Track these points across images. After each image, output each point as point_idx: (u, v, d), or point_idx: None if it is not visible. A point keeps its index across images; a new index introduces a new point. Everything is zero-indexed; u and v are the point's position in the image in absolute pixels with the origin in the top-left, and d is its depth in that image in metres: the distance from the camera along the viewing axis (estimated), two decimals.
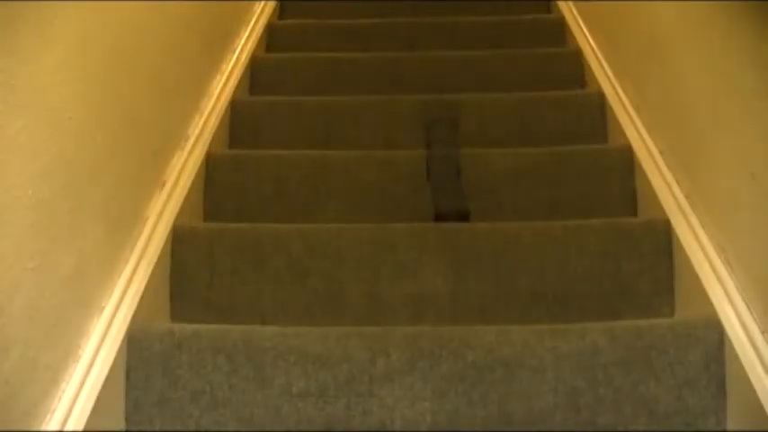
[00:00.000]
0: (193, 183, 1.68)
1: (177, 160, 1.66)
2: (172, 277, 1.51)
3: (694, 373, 1.23)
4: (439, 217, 1.57)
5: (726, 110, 1.36)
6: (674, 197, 1.56)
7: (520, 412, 1.22)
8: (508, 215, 1.73)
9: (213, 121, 1.89)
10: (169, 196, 1.57)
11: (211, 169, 1.79)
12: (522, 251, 1.51)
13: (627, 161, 1.78)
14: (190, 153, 1.72)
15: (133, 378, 1.25)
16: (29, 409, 1.01)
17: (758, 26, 1.22)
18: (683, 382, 1.23)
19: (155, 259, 1.41)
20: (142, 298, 1.32)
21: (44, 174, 1.05)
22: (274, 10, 2.76)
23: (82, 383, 1.12)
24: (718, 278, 1.33)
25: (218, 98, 1.98)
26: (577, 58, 2.34)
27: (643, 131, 1.79)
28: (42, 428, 1.04)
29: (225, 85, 2.05)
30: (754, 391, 1.14)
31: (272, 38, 2.61)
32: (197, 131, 1.79)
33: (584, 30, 2.41)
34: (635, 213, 1.75)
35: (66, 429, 1.07)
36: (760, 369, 1.15)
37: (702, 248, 1.40)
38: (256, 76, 2.33)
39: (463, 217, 1.58)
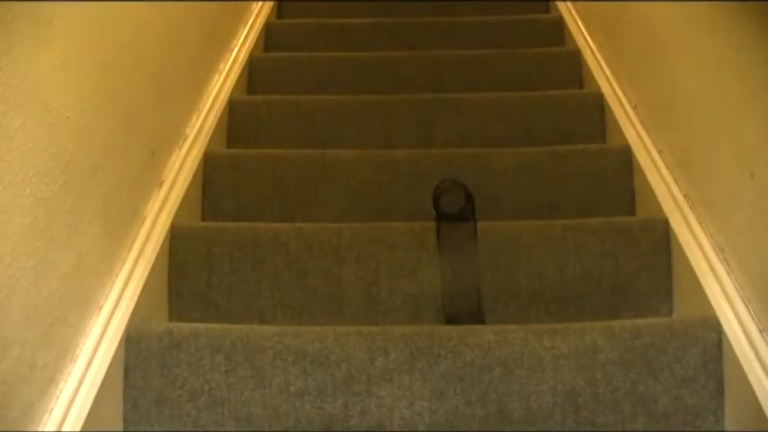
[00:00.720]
0: (191, 182, 1.68)
1: (175, 159, 1.66)
2: (170, 276, 1.51)
3: (693, 373, 1.23)
4: (451, 320, 1.45)
5: (725, 110, 1.36)
6: (672, 196, 1.56)
7: (518, 412, 1.22)
8: (507, 214, 1.73)
9: (211, 121, 1.89)
10: (167, 195, 1.56)
11: (209, 168, 1.79)
12: (521, 250, 1.51)
13: (625, 161, 1.79)
14: (188, 152, 1.72)
15: (131, 377, 1.25)
16: (26, 409, 1.01)
17: (757, 25, 1.22)
18: (681, 381, 1.23)
19: (153, 258, 1.41)
20: (140, 297, 1.32)
21: (42, 173, 1.05)
22: (272, 9, 2.76)
23: (80, 383, 1.12)
24: (717, 277, 1.33)
25: (217, 97, 1.98)
26: (576, 57, 2.34)
27: (641, 131, 1.79)
28: (40, 429, 1.04)
29: (223, 84, 2.05)
30: (752, 391, 1.14)
31: (270, 37, 2.61)
32: (195, 131, 1.79)
33: (583, 30, 2.41)
34: (633, 213, 1.75)
35: (63, 430, 1.07)
36: (758, 368, 1.15)
37: (701, 248, 1.41)
38: (254, 75, 2.33)
39: (478, 320, 1.45)
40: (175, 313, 1.50)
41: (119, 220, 1.35)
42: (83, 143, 1.19)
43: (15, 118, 0.97)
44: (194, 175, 1.70)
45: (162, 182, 1.58)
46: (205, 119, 1.86)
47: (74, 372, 1.12)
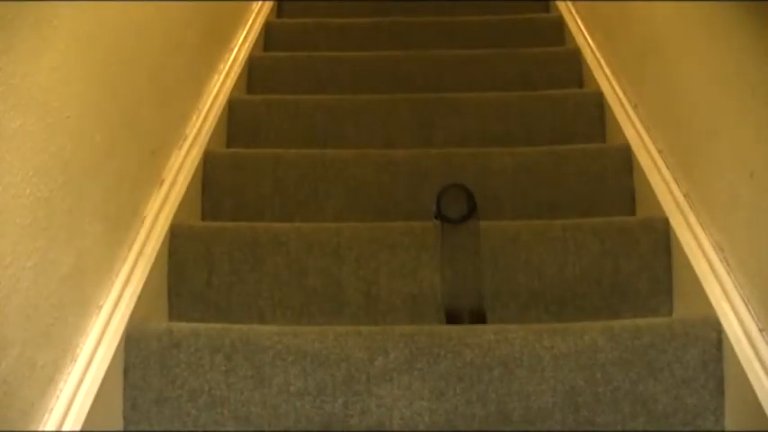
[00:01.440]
0: (191, 181, 1.68)
1: (175, 159, 1.66)
2: (170, 276, 1.51)
3: (693, 373, 1.23)
4: (451, 318, 1.45)
5: (725, 109, 1.36)
6: (672, 196, 1.56)
7: (518, 411, 1.22)
8: (507, 214, 1.73)
9: (211, 120, 1.89)
10: (167, 195, 1.56)
11: (209, 168, 1.79)
12: (521, 250, 1.51)
13: (625, 160, 1.79)
14: (188, 152, 1.72)
15: (131, 377, 1.25)
16: (26, 409, 1.01)
17: (757, 26, 1.22)
18: (681, 381, 1.23)
19: (153, 258, 1.41)
20: (140, 297, 1.32)
21: (42, 172, 1.05)
22: (272, 9, 2.76)
23: (80, 382, 1.12)
24: (717, 277, 1.33)
25: (216, 97, 1.98)
26: (576, 57, 2.34)
27: (642, 131, 1.79)
28: (40, 429, 1.04)
29: (223, 84, 2.05)
30: (752, 390, 1.14)
31: (269, 37, 2.61)
32: (195, 130, 1.79)
33: (583, 29, 2.41)
34: (633, 212, 1.75)
35: (63, 429, 1.07)
36: (758, 367, 1.15)
37: (701, 247, 1.40)
38: (254, 74, 2.33)
39: (479, 319, 1.45)
40: (175, 313, 1.50)
41: (119, 219, 1.35)
42: (83, 143, 1.19)
43: (15, 118, 0.97)
44: (194, 175, 1.70)
45: (162, 181, 1.58)
46: (205, 118, 1.86)
47: (74, 371, 1.12)
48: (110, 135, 1.30)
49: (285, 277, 1.50)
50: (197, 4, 1.89)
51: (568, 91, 2.20)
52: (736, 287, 1.28)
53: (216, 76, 2.05)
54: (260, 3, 2.62)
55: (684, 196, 1.53)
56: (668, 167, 1.63)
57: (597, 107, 2.04)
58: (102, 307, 1.24)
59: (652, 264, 1.50)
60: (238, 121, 2.05)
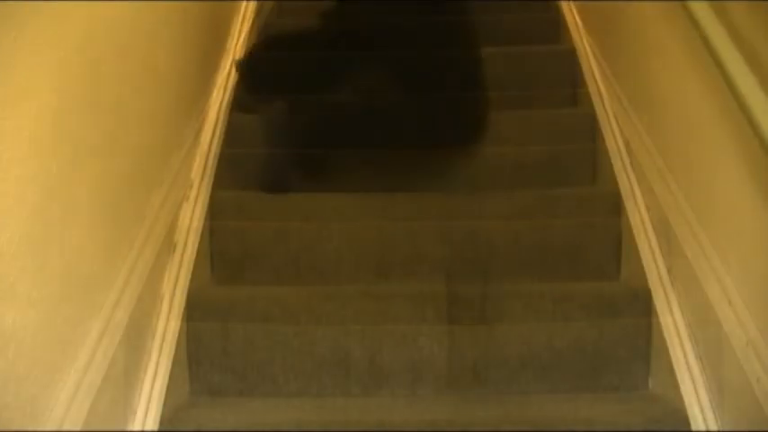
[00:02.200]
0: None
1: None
2: (188, 345, 1.62)
3: None
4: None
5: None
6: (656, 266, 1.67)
7: None
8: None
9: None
10: (180, 263, 1.65)
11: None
12: (514, 323, 1.63)
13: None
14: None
15: None
16: None
17: None
18: None
19: (173, 348, 1.52)
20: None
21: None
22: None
23: None
24: (690, 372, 1.47)
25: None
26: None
27: None
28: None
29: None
30: None
31: None
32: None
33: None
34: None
35: None
36: None
37: (678, 333, 1.54)
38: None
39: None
40: (195, 377, 1.63)
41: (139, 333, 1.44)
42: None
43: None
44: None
45: (174, 245, 1.65)
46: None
47: None
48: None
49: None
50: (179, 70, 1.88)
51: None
52: (706, 389, 1.42)
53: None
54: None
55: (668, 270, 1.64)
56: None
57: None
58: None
59: (633, 333, 1.64)
60: None
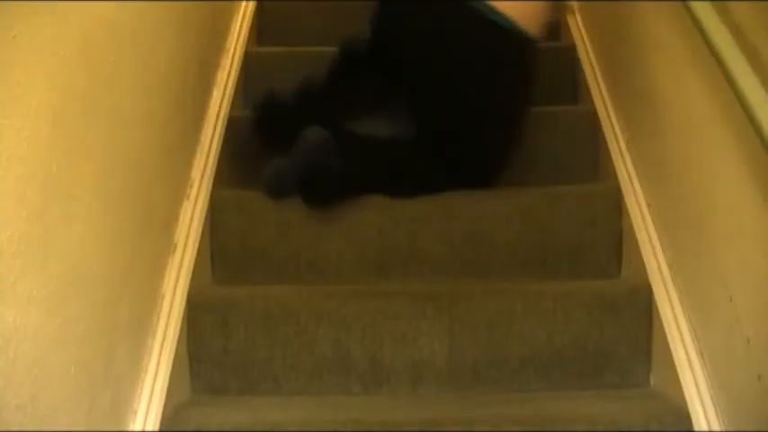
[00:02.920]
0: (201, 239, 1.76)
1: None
2: (189, 344, 1.62)
3: None
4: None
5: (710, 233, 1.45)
6: (656, 260, 1.67)
7: None
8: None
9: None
10: (181, 263, 1.65)
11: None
12: (514, 321, 1.63)
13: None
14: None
15: None
16: None
17: None
18: None
19: (174, 347, 1.52)
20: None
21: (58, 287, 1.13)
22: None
23: None
24: (692, 369, 1.47)
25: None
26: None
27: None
28: None
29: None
30: None
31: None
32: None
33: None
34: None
35: None
36: None
37: (679, 330, 1.53)
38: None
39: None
40: (195, 375, 1.63)
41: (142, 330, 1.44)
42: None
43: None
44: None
45: (174, 246, 1.65)
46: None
47: None
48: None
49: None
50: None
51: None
52: (708, 386, 1.42)
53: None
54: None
55: (669, 267, 1.64)
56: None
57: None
58: (136, 412, 1.37)
59: (634, 331, 1.64)
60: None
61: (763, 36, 1.23)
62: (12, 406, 0.94)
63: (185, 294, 1.62)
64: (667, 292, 1.61)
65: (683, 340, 1.52)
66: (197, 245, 1.73)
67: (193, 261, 1.69)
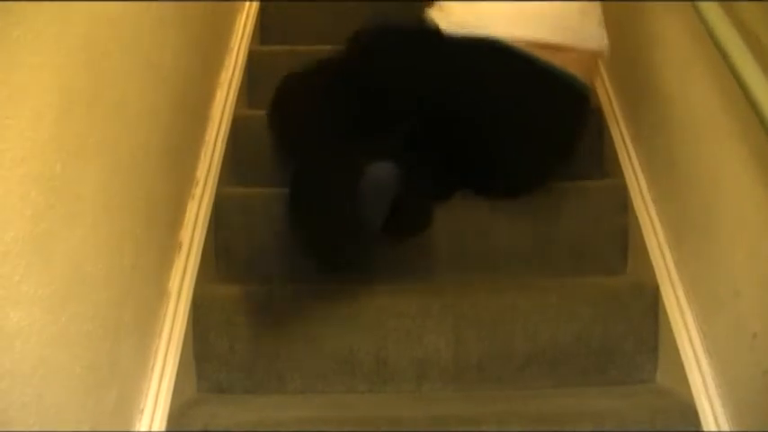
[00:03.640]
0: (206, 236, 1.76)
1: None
2: (195, 343, 1.62)
3: None
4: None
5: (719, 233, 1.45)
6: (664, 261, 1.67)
7: None
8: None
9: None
10: (186, 262, 1.65)
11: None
12: (518, 318, 1.63)
13: None
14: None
15: None
16: None
17: None
18: None
19: (180, 346, 1.52)
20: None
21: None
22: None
23: None
24: (699, 366, 1.46)
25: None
26: None
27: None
28: None
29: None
30: None
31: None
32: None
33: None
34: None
35: None
36: None
37: (686, 326, 1.53)
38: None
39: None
40: (202, 374, 1.63)
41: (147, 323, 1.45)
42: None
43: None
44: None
45: (180, 244, 1.66)
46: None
47: None
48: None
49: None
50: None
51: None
52: (714, 382, 1.42)
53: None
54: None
55: (675, 262, 1.64)
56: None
57: None
58: (143, 410, 1.37)
59: (639, 327, 1.63)
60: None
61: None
62: (17, 405, 0.94)
63: (191, 293, 1.62)
64: (673, 287, 1.60)
65: (689, 335, 1.52)
66: (202, 244, 1.73)
67: (199, 260, 1.70)
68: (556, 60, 1.60)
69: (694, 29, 1.41)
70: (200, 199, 1.78)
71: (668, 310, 1.59)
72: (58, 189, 1.06)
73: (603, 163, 2.07)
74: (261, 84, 2.32)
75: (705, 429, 1.39)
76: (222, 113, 2.04)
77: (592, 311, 1.64)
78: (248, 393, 1.61)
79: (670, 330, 1.56)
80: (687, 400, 1.45)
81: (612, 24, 1.73)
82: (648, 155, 1.84)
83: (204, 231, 1.75)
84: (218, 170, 1.91)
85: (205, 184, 1.83)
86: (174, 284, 1.58)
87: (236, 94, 2.16)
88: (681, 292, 1.58)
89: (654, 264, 1.68)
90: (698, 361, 1.47)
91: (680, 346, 1.52)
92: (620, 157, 1.95)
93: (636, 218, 1.79)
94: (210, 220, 1.81)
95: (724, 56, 1.27)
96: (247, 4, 2.51)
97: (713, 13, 1.31)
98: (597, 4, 1.71)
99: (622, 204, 1.86)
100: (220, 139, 1.98)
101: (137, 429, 1.35)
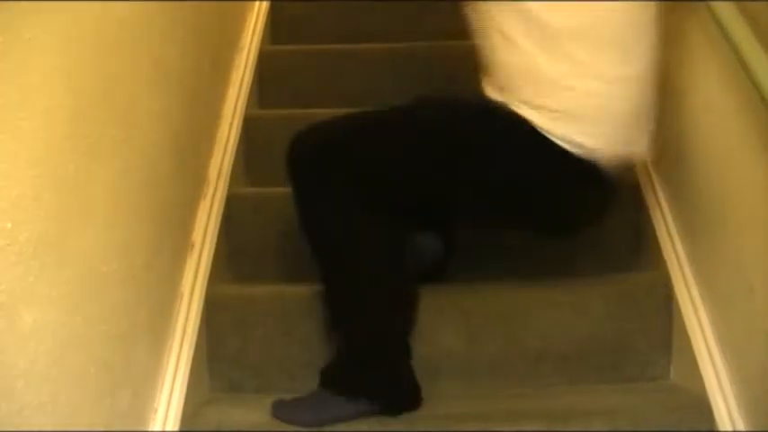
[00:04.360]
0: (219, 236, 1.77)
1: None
2: (207, 343, 1.63)
3: None
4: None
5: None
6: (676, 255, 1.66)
7: None
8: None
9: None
10: (198, 262, 1.65)
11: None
12: (531, 316, 1.62)
13: None
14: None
15: None
16: None
17: None
18: None
19: (193, 346, 1.52)
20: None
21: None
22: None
23: None
24: (713, 363, 1.46)
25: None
26: None
27: None
28: None
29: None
30: None
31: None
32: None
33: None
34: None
35: None
36: None
37: (700, 324, 1.52)
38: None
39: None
40: (215, 374, 1.64)
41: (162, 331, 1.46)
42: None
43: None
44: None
45: (192, 244, 1.66)
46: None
47: None
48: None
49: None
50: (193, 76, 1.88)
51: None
52: (729, 378, 1.41)
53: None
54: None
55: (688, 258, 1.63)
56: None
57: None
58: (156, 410, 1.38)
59: (653, 324, 1.63)
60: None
61: None
62: (32, 405, 0.95)
63: (203, 293, 1.63)
64: (686, 283, 1.59)
65: (703, 332, 1.51)
66: (214, 244, 1.74)
67: (211, 260, 1.70)
68: None
69: (709, 26, 1.40)
70: (212, 199, 1.79)
71: (682, 307, 1.58)
72: (71, 190, 1.06)
73: None
74: (271, 83, 2.33)
75: (719, 426, 1.38)
76: (233, 113, 2.05)
77: (605, 309, 1.63)
78: (260, 393, 1.61)
79: (684, 327, 1.56)
80: (701, 396, 1.45)
81: None
82: (660, 150, 1.83)
83: (216, 231, 1.76)
84: (230, 170, 1.91)
85: (217, 183, 1.83)
86: (186, 285, 1.59)
87: (248, 93, 2.16)
88: (694, 289, 1.57)
89: (667, 260, 1.67)
90: (712, 358, 1.46)
91: (693, 343, 1.52)
92: None
93: (648, 213, 1.79)
94: (222, 221, 1.81)
95: (735, 50, 1.26)
96: (258, 3, 2.51)
97: (725, 10, 1.30)
98: None
99: (635, 201, 1.85)
100: (232, 138, 1.99)
101: (150, 429, 1.35)
